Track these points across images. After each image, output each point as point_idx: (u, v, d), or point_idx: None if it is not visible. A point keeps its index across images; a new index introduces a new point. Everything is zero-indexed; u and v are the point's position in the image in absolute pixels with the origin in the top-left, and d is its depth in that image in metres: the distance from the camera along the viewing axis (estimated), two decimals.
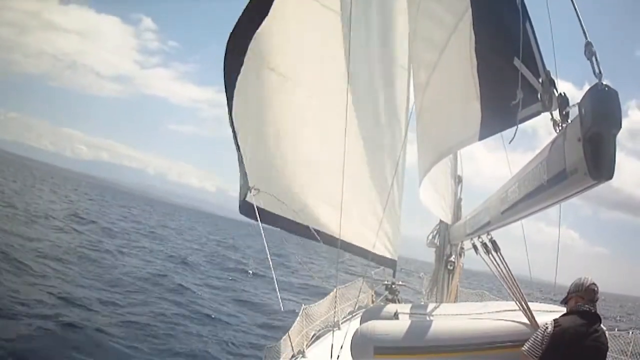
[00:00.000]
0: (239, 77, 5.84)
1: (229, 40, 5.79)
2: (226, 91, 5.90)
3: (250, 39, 5.76)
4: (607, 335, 3.12)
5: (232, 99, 5.89)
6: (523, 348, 3.15)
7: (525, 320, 3.57)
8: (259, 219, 5.78)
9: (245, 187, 6.11)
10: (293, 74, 6.17)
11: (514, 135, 2.90)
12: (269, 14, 5.69)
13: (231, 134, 6.01)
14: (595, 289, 3.15)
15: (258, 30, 5.74)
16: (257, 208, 5.96)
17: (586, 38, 2.21)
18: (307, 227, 6.34)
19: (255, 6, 5.69)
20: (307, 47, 6.19)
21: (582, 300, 3.13)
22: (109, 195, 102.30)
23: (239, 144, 5.98)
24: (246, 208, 6.15)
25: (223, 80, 5.89)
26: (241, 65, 5.80)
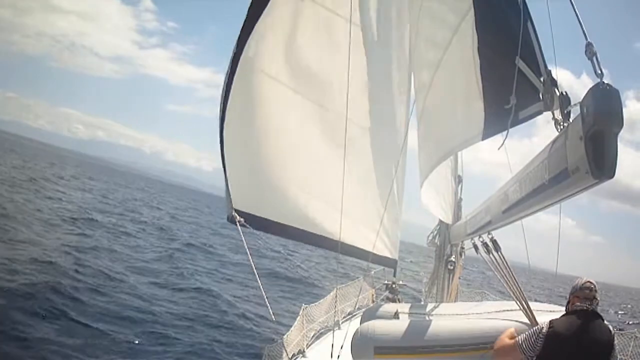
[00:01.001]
0: (233, 84, 5.81)
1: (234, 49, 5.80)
2: (222, 99, 5.85)
3: (245, 44, 5.76)
4: (611, 330, 3.04)
5: (226, 105, 5.84)
6: (518, 339, 3.12)
7: (526, 320, 3.58)
8: (240, 230, 5.71)
9: (230, 206, 5.99)
10: (290, 76, 6.15)
11: (504, 141, 2.92)
12: (262, 16, 5.68)
13: (218, 138, 5.90)
14: (591, 287, 3.09)
15: (252, 34, 5.74)
16: (251, 215, 5.91)
17: (586, 39, 2.22)
18: (305, 232, 6.33)
19: (250, 9, 5.68)
20: (305, 48, 6.19)
21: (578, 299, 3.10)
22: (102, 174, 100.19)
23: (225, 151, 5.88)
24: (234, 218, 5.94)
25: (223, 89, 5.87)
26: (235, 72, 5.79)
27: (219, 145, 5.86)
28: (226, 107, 5.78)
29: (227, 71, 5.84)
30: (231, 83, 5.77)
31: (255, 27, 5.69)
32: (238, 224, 5.75)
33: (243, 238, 5.57)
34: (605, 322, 3.07)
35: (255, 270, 5.45)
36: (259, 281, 5.47)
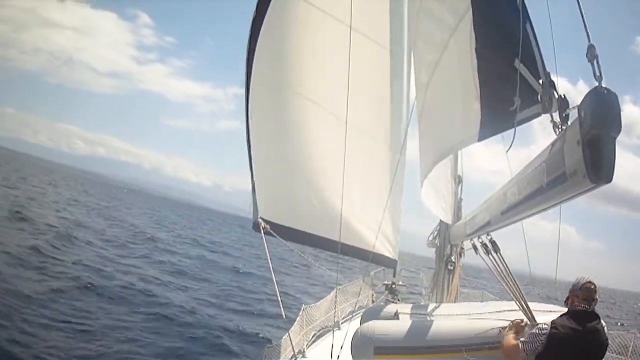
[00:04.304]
0: (250, 94, 6.02)
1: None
2: (245, 110, 6.11)
3: (253, 55, 5.95)
4: (606, 331, 3.09)
5: (248, 116, 6.10)
6: (520, 341, 3.17)
7: (526, 320, 3.58)
8: (264, 237, 5.95)
9: (256, 212, 6.24)
10: (295, 81, 6.25)
11: (512, 142, 2.91)
12: (264, 24, 5.83)
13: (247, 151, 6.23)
14: (592, 287, 3.11)
15: (258, 44, 5.91)
16: (268, 221, 6.12)
17: (589, 41, 2.20)
18: (307, 234, 6.42)
19: (254, 16, 5.83)
20: (307, 53, 6.26)
21: (578, 300, 3.12)
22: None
23: (254, 162, 6.15)
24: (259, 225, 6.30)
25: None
26: (249, 80, 5.99)
27: (247, 157, 6.16)
28: (248, 118, 6.02)
29: (244, 83, 6.08)
30: (248, 94, 5.99)
31: (260, 38, 5.88)
32: (262, 231, 5.95)
33: (265, 244, 5.75)
34: (602, 322, 3.11)
35: (273, 274, 5.62)
36: (274, 280, 5.66)
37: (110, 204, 56.45)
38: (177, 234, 38.60)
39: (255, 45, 5.94)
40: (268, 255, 5.62)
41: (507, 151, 3.13)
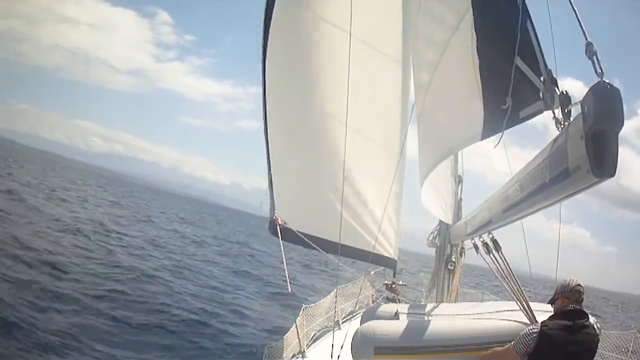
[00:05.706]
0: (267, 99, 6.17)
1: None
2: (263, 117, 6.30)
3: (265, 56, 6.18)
4: (597, 326, 3.17)
5: (267, 122, 6.43)
6: (511, 343, 3.22)
7: (526, 320, 3.57)
8: (280, 236, 6.16)
9: (273, 210, 6.41)
10: (299, 87, 6.37)
11: (500, 139, 2.95)
12: (270, 33, 5.99)
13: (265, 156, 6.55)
14: (581, 289, 3.19)
15: (267, 52, 6.11)
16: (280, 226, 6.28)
17: (586, 39, 2.23)
18: (310, 236, 6.46)
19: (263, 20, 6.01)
20: (310, 59, 6.38)
21: (568, 301, 3.18)
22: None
23: (272, 166, 6.43)
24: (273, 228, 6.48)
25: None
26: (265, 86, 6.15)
27: (266, 161, 6.45)
28: (267, 124, 6.18)
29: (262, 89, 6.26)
30: (265, 100, 6.15)
31: (269, 46, 6.05)
32: (279, 227, 6.04)
33: (281, 243, 5.82)
34: (591, 317, 3.19)
35: (287, 273, 5.71)
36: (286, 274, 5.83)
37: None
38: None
39: (266, 53, 6.18)
40: (284, 256, 5.69)
41: (495, 147, 3.16)
